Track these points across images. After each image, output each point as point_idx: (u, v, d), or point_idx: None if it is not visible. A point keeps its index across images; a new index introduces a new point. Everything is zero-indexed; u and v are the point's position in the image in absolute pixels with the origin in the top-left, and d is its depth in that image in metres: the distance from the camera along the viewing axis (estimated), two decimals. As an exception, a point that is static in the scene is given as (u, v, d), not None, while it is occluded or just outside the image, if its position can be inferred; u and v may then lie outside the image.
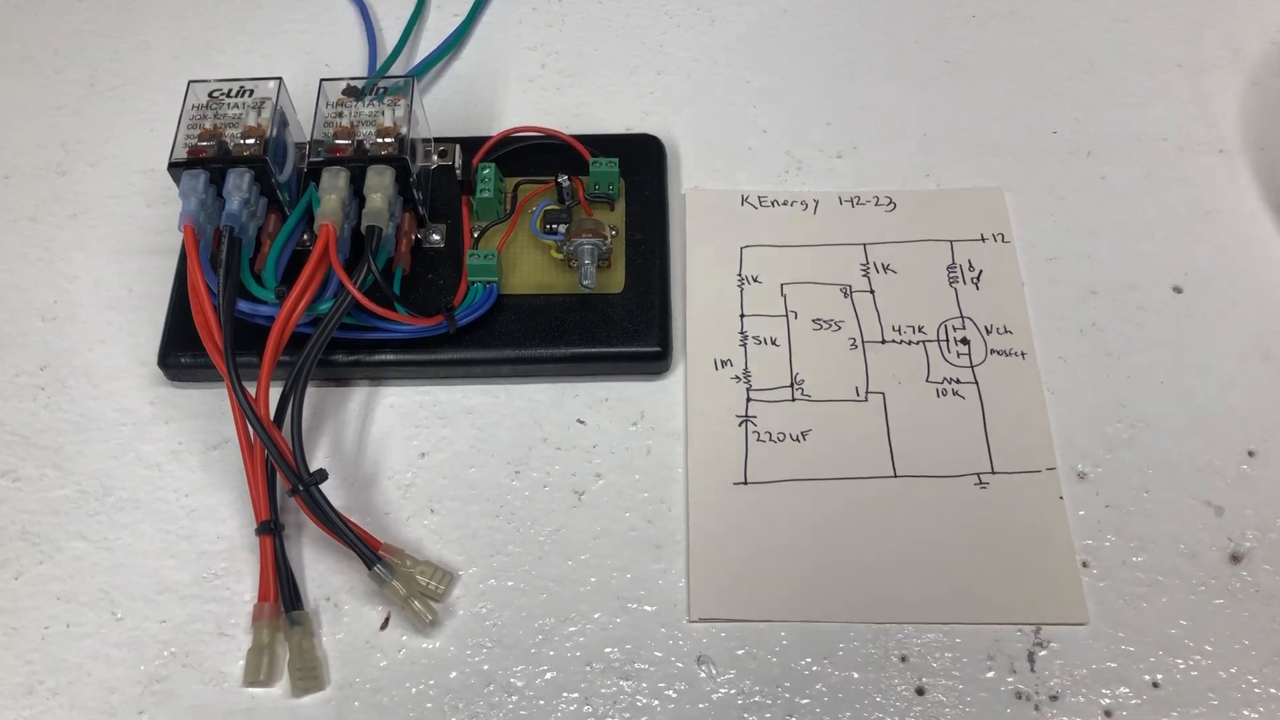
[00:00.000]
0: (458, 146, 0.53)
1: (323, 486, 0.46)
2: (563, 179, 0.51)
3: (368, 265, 0.47)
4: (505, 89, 0.59)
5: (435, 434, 0.49)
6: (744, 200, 0.55)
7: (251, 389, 0.45)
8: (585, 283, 0.49)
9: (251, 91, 0.50)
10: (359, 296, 0.46)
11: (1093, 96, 0.58)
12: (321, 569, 0.46)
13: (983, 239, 0.54)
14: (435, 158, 0.53)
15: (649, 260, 0.51)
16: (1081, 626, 0.45)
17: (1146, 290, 0.52)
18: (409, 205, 0.51)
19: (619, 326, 0.50)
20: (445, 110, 0.59)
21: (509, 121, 0.58)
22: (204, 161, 0.48)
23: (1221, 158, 0.56)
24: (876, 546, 0.46)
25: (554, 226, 0.51)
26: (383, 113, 0.49)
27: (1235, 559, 0.46)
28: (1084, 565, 0.46)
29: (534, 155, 0.54)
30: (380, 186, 0.48)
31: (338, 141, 0.49)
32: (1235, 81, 0.59)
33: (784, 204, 0.55)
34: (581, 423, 0.50)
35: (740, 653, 0.44)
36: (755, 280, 0.53)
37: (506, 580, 0.46)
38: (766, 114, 0.58)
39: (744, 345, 0.51)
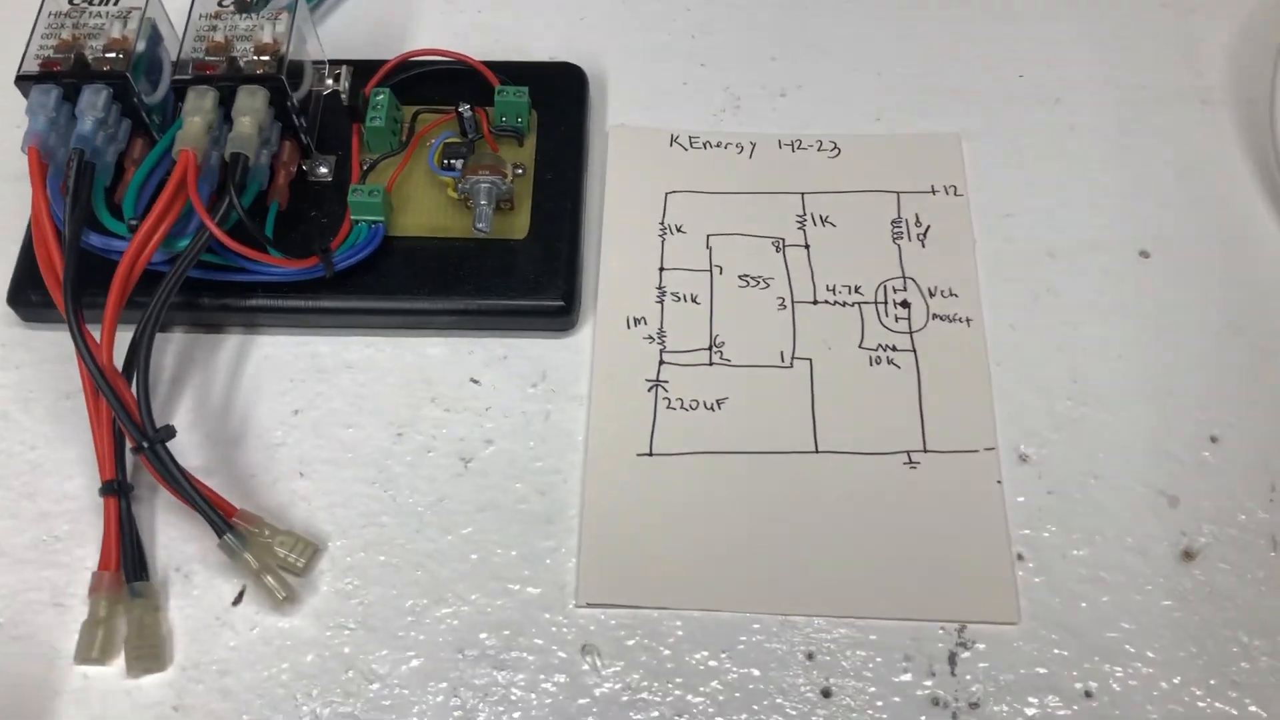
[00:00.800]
0: (345, 68, 0.48)
1: (181, 444, 0.42)
2: (464, 108, 0.46)
3: (229, 198, 0.42)
4: (419, 10, 0.54)
5: (312, 389, 0.45)
6: (673, 140, 0.50)
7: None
8: (479, 225, 0.44)
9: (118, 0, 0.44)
10: (217, 232, 0.41)
11: (1067, 37, 0.53)
12: (174, 535, 0.42)
13: (933, 191, 0.49)
14: (329, 81, 0.48)
15: (559, 204, 0.46)
16: (1011, 626, 0.40)
17: (1111, 253, 0.47)
18: (290, 133, 0.45)
19: (520, 277, 0.45)
20: (351, 31, 0.53)
21: (422, 46, 0.52)
22: (57, 76, 0.43)
23: (1205, 110, 0.51)
24: (789, 530, 0.42)
25: (453, 162, 0.46)
26: (262, 28, 0.44)
27: (1188, 555, 0.41)
28: (1019, 558, 0.41)
29: (440, 83, 0.49)
30: (250, 110, 0.43)
31: (208, 58, 0.44)
32: (1227, 26, 0.53)
33: (717, 146, 0.50)
34: (475, 382, 0.45)
35: (630, 643, 0.40)
36: (679, 230, 0.48)
37: (378, 555, 0.42)
38: (705, 46, 0.53)
39: (661, 302, 0.46)
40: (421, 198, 0.46)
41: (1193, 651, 0.39)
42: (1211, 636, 0.40)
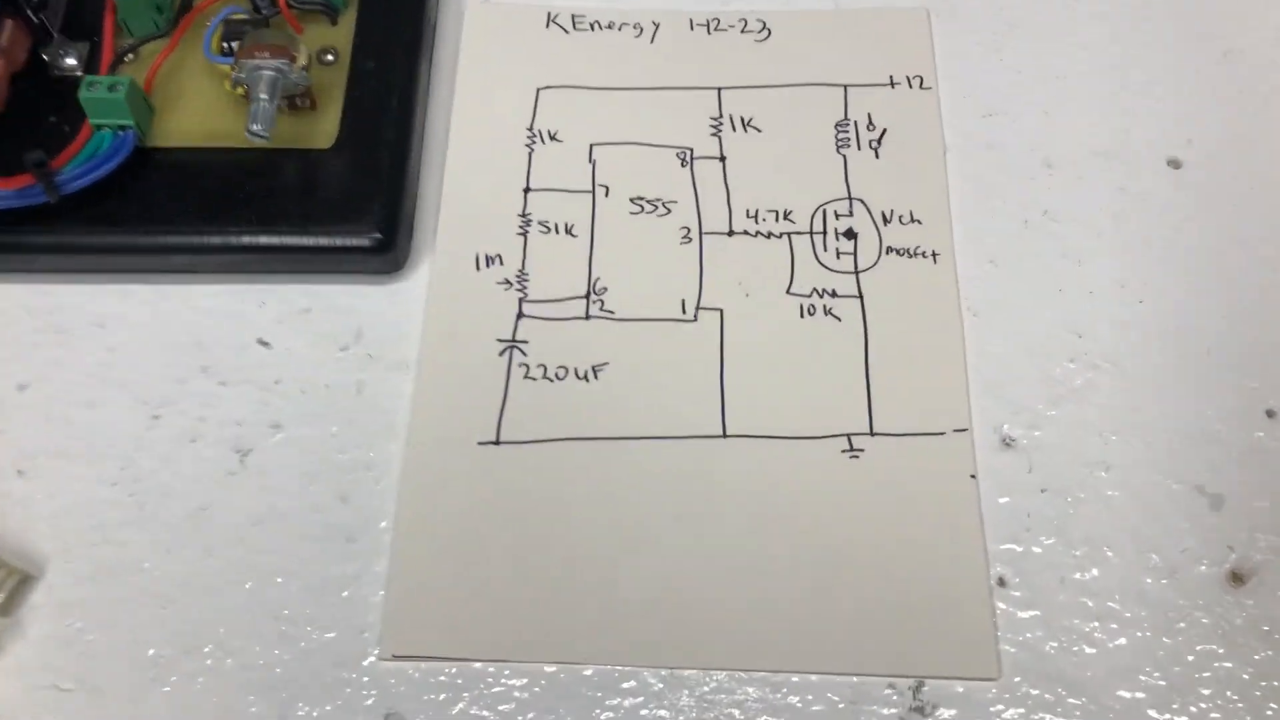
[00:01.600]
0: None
1: None
2: (250, -27, 0.34)
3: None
4: None
5: (46, 355, 0.33)
6: (551, 20, 0.38)
7: None
8: (253, 127, 0.32)
9: None
10: None
11: (1072, -115, 0.41)
12: None
13: (892, 84, 0.37)
14: (80, -56, 0.36)
15: (381, 101, 0.34)
16: (988, 683, 0.29)
17: (1129, 163, 0.35)
18: (11, 10, 0.33)
19: (322, 201, 0.33)
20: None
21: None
22: None
23: (1253, -25, 0.39)
24: (684, 548, 0.30)
25: (234, 45, 0.34)
26: None
27: (1237, 578, 0.30)
28: (1000, 583, 0.30)
29: (236, -54, 0.37)
30: (-74, -31, 0.31)
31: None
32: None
33: (609, 27, 0.38)
34: (264, 344, 0.33)
35: (455, 710, 0.29)
36: (553, 138, 0.36)
37: (113, 585, 0.30)
38: (599, -100, 0.41)
39: (524, 234, 0.35)
40: (196, 95, 0.34)
41: (1241, 710, 0.28)
42: (1274, 694, 0.28)
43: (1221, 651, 0.29)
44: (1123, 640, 0.29)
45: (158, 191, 0.33)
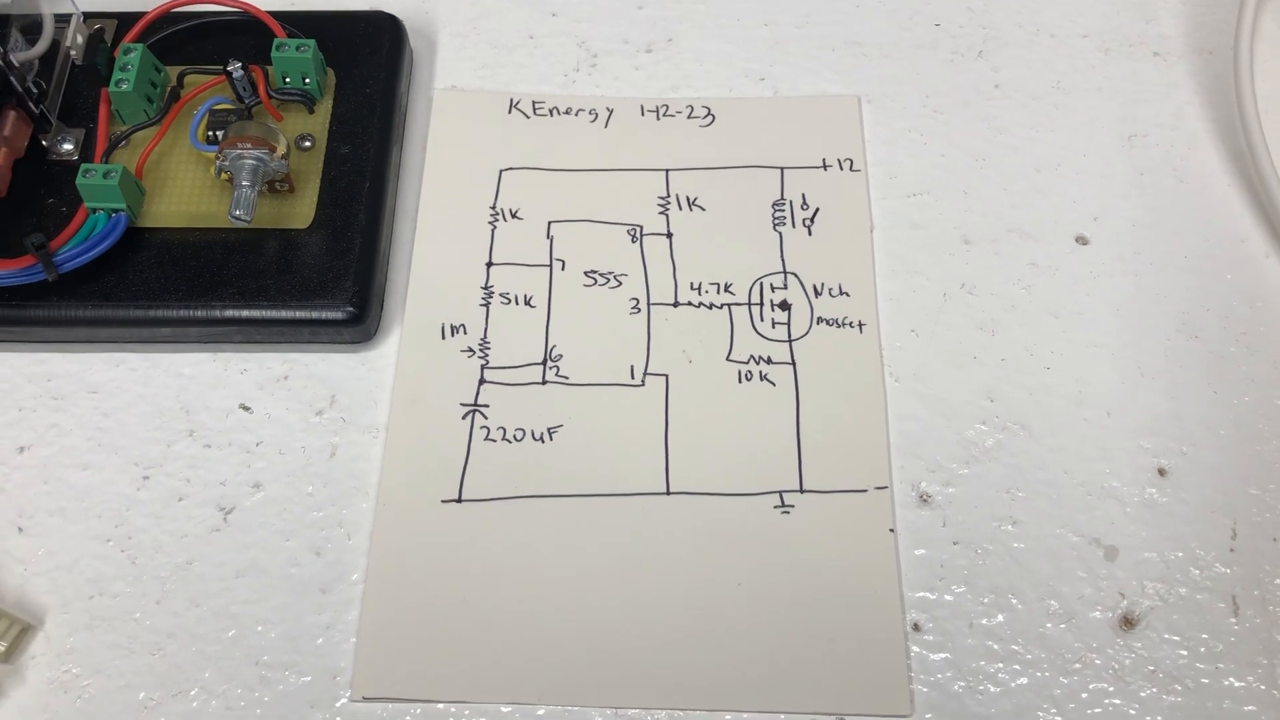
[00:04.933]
0: (77, 18, 0.38)
1: None
2: (234, 67, 0.37)
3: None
4: (216, -48, 0.45)
5: (44, 420, 0.36)
6: (513, 106, 0.41)
7: None
8: (235, 213, 0.35)
9: None
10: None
11: (993, -21, 0.44)
12: None
13: (824, 166, 0.40)
14: (77, 38, 0.39)
15: (354, 184, 0.37)
16: (903, 720, 0.32)
17: (1041, 240, 0.39)
18: (11, 100, 0.36)
19: (299, 277, 0.36)
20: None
21: (217, -6, 0.43)
22: None
23: (1157, 63, 0.42)
24: (628, 597, 0.33)
25: (218, 134, 0.37)
26: (-34, -33, 0.35)
27: (1128, 622, 0.33)
28: (915, 628, 0.33)
29: (221, 38, 0.40)
30: (-62, 71, 0.34)
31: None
32: (1184, -35, 0.45)
33: (566, 113, 0.41)
34: (246, 409, 0.36)
35: (420, 747, 0.31)
36: (514, 215, 0.39)
37: (106, 633, 0.33)
38: (558, -8, 0.44)
39: (486, 305, 0.38)
40: (182, 180, 0.37)
41: (1133, 746, 0.31)
42: (1155, 730, 0.31)
43: (1112, 690, 0.32)
44: (1024, 680, 0.32)
45: (148, 269, 0.36)
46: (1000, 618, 0.33)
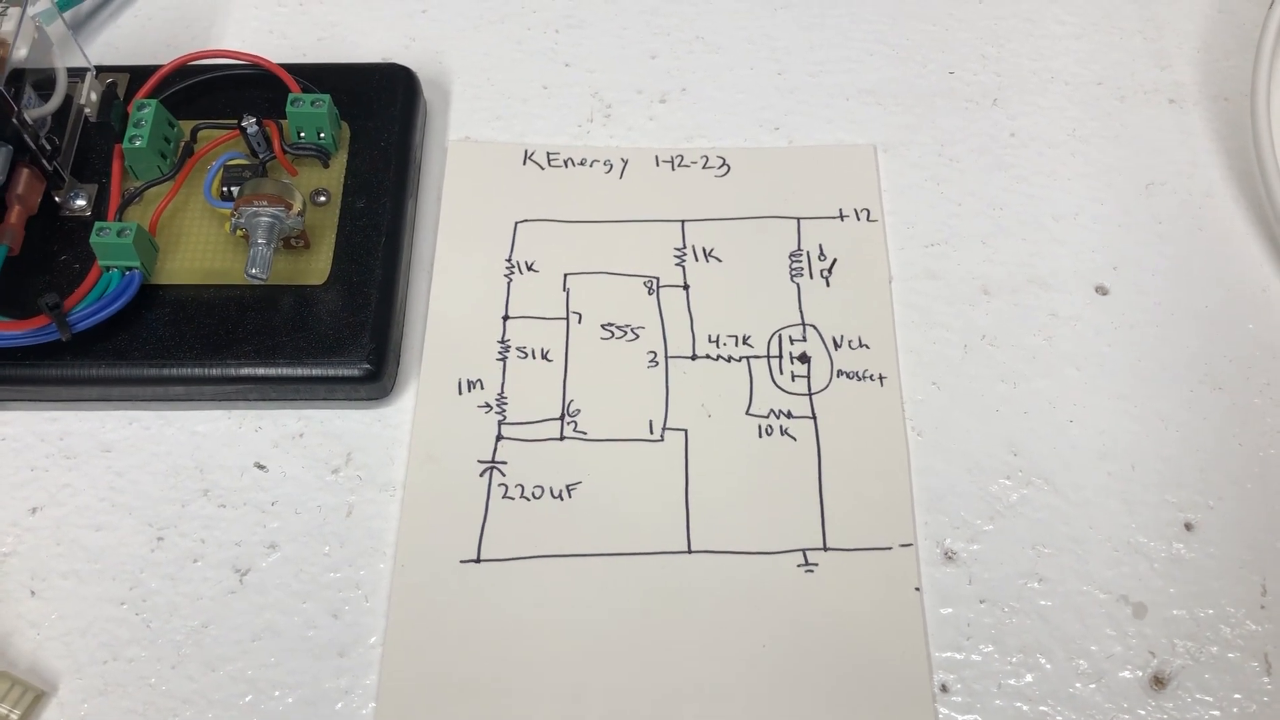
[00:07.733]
0: (91, 74, 0.38)
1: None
2: (248, 123, 0.36)
3: (-85, 246, 0.32)
4: (229, 5, 0.45)
5: (56, 480, 0.35)
6: (528, 157, 0.41)
7: None
8: (251, 271, 0.34)
9: None
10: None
11: (1007, 26, 0.44)
12: None
13: (841, 216, 0.40)
14: (91, 95, 0.39)
15: (369, 239, 0.37)
16: (932, 784, 0.31)
17: (1061, 290, 0.38)
18: (25, 157, 0.36)
19: (315, 334, 0.36)
20: (147, 30, 0.44)
21: (230, 46, 0.43)
22: None
23: (1173, 110, 0.42)
24: (649, 657, 0.33)
25: (233, 190, 0.36)
26: (-18, 25, 0.35)
27: (1159, 682, 0.32)
28: (942, 689, 0.32)
29: (236, 93, 0.39)
30: (-49, 130, 0.34)
31: (-96, 63, 0.34)
32: (1196, 11, 0.44)
33: (581, 164, 0.41)
34: (261, 468, 0.36)
35: (440, 816, 0.31)
36: (530, 268, 0.39)
37: (121, 699, 0.32)
38: (571, 41, 0.44)
39: (503, 359, 0.37)
40: (196, 236, 0.37)
41: (1166, 809, 0.31)
42: (1189, 793, 0.31)
43: (1144, 752, 0.31)
44: (1055, 742, 0.32)
45: (161, 326, 0.36)
46: (1029, 678, 0.32)
